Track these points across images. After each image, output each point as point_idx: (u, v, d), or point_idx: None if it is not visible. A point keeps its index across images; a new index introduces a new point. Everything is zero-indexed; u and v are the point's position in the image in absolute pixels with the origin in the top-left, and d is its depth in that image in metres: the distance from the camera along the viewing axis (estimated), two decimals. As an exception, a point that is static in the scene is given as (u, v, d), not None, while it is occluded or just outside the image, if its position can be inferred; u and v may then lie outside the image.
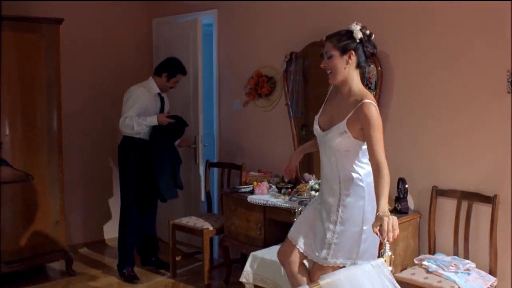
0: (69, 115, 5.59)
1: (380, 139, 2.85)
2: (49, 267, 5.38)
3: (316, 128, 3.14)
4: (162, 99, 5.18)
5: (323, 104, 3.22)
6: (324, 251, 3.05)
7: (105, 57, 6.06)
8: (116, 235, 5.27)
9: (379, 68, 4.14)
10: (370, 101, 2.90)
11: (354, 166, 3.01)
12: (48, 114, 4.96)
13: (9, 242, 4.79)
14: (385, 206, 2.68)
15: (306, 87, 4.80)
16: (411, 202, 4.09)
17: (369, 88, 4.16)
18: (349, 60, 2.97)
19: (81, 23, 5.75)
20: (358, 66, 3.02)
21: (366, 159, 2.98)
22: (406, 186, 3.97)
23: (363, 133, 2.90)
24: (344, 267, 2.96)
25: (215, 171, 5.75)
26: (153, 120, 4.91)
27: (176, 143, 5.26)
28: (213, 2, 5.56)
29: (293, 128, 4.85)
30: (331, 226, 3.04)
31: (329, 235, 3.04)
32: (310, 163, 4.77)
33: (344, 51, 2.97)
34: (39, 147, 4.92)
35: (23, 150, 4.83)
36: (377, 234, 2.59)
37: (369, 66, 4.14)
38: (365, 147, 2.96)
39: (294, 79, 4.77)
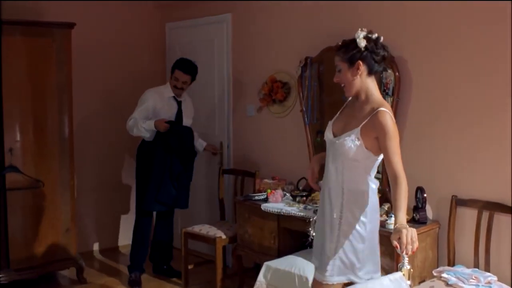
0: (81, 121, 5.56)
1: (397, 149, 2.76)
2: (60, 274, 5.33)
3: (327, 133, 3.05)
4: (179, 103, 5.09)
5: (340, 111, 3.13)
6: (325, 267, 2.95)
7: (118, 62, 6.02)
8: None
9: (397, 73, 4.04)
10: (385, 109, 2.81)
11: (361, 181, 2.90)
12: (60, 120, 4.91)
13: (19, 249, 4.75)
14: (403, 218, 2.59)
15: (322, 93, 4.71)
16: (429, 212, 3.98)
17: (386, 94, 4.07)
18: (357, 71, 2.88)
19: (93, 27, 5.72)
20: (371, 73, 2.91)
21: (374, 176, 2.90)
22: (425, 195, 3.86)
23: (379, 143, 2.80)
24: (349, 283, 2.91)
25: (228, 178, 5.66)
26: (150, 125, 4.82)
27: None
28: (227, 7, 5.50)
29: (308, 134, 4.76)
30: (331, 243, 2.94)
31: (328, 251, 2.94)
32: (326, 171, 4.68)
33: (351, 62, 2.88)
34: (50, 153, 4.88)
35: (33, 156, 4.79)
36: (396, 247, 2.51)
37: (387, 71, 4.04)
38: (375, 162, 2.89)
39: (309, 85, 4.69)
